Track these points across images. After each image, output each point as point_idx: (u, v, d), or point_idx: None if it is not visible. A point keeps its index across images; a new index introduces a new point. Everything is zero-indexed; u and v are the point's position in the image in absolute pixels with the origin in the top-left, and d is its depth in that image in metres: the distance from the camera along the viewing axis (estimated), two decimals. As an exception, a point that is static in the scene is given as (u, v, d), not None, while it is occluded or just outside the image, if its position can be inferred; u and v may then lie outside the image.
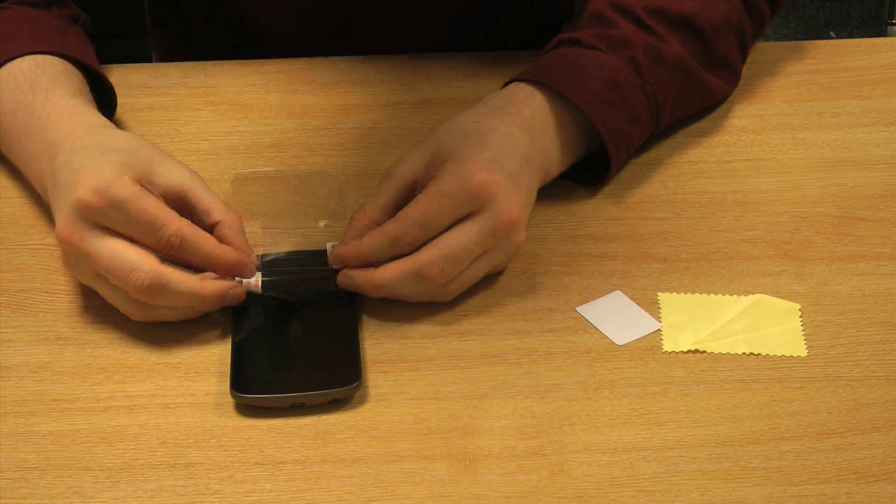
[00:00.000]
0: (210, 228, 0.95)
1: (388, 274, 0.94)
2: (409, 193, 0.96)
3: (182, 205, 0.95)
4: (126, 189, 0.91)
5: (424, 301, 0.96)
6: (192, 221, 0.94)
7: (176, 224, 0.92)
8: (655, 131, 1.08)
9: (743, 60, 1.15)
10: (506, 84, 1.06)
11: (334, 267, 0.95)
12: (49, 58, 1.06)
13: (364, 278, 0.94)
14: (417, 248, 0.93)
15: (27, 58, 1.05)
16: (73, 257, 0.93)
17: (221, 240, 0.94)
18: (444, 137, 0.97)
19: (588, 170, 1.06)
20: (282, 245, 0.99)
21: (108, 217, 0.91)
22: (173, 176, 0.95)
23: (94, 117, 1.01)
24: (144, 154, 0.95)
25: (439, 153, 0.96)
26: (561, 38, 1.08)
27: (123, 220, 0.91)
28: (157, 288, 0.91)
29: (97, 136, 0.97)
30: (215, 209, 0.95)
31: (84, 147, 0.96)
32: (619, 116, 1.04)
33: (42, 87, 1.03)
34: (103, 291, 0.94)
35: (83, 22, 1.15)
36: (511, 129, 0.99)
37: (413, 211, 0.93)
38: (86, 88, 1.07)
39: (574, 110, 1.03)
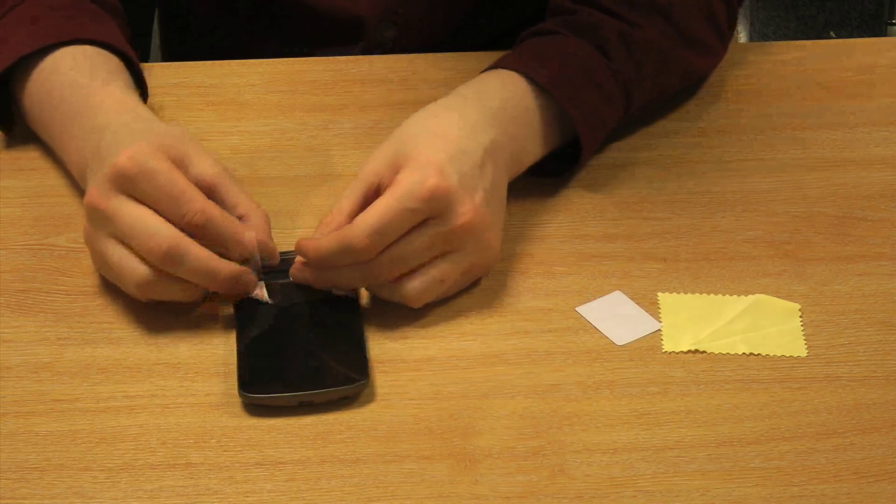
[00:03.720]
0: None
1: (338, 269, 0.94)
2: (375, 196, 0.95)
3: (211, 196, 0.95)
4: (160, 162, 0.92)
5: (398, 302, 0.95)
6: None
7: (202, 202, 0.92)
8: (628, 111, 1.08)
9: (721, 35, 1.15)
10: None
11: (296, 258, 0.95)
12: (104, 52, 1.07)
13: (313, 275, 0.95)
14: (375, 255, 0.93)
15: (86, 46, 1.06)
16: (95, 220, 0.93)
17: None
18: (405, 136, 0.97)
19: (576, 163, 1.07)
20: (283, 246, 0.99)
21: (137, 186, 0.92)
22: (207, 168, 0.95)
23: (144, 111, 1.02)
24: (184, 142, 0.96)
25: (399, 152, 0.96)
26: (524, 34, 1.09)
27: (152, 190, 0.92)
28: (175, 256, 0.91)
29: (144, 123, 0.99)
30: (243, 204, 0.96)
31: (128, 129, 0.97)
32: (588, 96, 1.04)
33: (99, 75, 1.04)
34: (114, 262, 0.93)
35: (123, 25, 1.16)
36: (476, 123, 0.99)
37: (369, 217, 0.92)
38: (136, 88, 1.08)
39: (543, 96, 1.03)
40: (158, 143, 0.94)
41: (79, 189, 1.03)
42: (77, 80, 1.04)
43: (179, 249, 0.91)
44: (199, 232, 0.92)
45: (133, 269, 0.93)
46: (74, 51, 1.06)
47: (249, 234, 0.94)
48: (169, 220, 0.92)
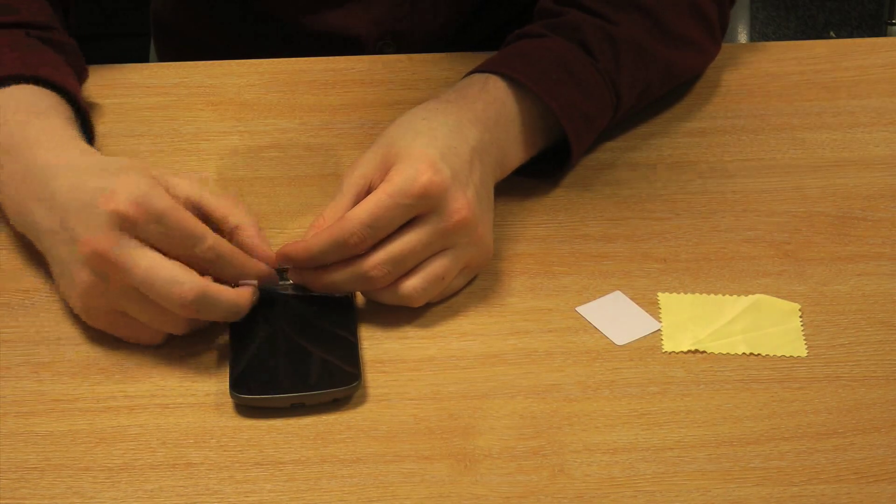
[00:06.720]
0: (229, 234, 0.94)
1: (336, 275, 0.93)
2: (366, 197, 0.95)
3: (197, 215, 0.93)
4: (164, 200, 0.89)
5: (397, 305, 0.95)
6: (210, 229, 0.92)
7: (211, 238, 0.90)
8: (620, 110, 1.08)
9: (711, 33, 1.15)
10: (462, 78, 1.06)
11: (282, 266, 0.95)
12: (43, 89, 1.02)
13: (313, 278, 0.94)
14: (367, 249, 0.93)
15: (25, 86, 1.01)
16: (102, 276, 0.89)
17: (242, 245, 0.93)
18: (394, 137, 0.97)
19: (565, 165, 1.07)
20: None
21: (145, 229, 0.89)
22: (186, 188, 0.93)
23: (86, 145, 0.98)
24: (151, 171, 0.93)
25: (390, 153, 0.95)
26: (510, 37, 1.09)
27: (162, 232, 0.89)
28: (201, 301, 0.89)
29: (100, 158, 0.95)
30: (232, 214, 0.94)
31: (93, 167, 0.93)
32: (572, 93, 1.04)
33: (34, 111, 0.99)
34: (135, 313, 0.91)
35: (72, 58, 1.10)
36: (462, 123, 0.99)
37: (360, 212, 0.92)
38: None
39: (529, 98, 1.03)
40: (146, 175, 0.91)
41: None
42: (7, 117, 0.98)
43: (207, 296, 0.89)
44: (209, 268, 0.91)
45: (167, 322, 0.91)
46: (14, 90, 1.00)
47: (261, 269, 0.93)
48: (178, 259, 0.89)
